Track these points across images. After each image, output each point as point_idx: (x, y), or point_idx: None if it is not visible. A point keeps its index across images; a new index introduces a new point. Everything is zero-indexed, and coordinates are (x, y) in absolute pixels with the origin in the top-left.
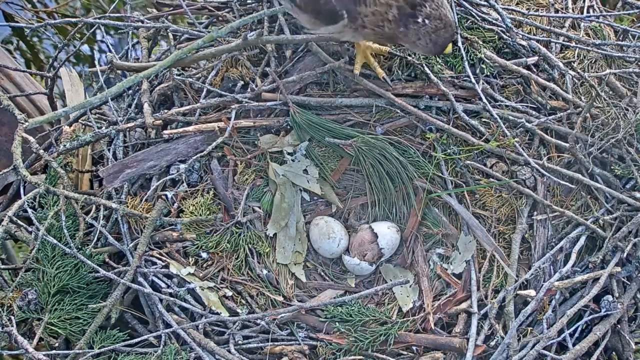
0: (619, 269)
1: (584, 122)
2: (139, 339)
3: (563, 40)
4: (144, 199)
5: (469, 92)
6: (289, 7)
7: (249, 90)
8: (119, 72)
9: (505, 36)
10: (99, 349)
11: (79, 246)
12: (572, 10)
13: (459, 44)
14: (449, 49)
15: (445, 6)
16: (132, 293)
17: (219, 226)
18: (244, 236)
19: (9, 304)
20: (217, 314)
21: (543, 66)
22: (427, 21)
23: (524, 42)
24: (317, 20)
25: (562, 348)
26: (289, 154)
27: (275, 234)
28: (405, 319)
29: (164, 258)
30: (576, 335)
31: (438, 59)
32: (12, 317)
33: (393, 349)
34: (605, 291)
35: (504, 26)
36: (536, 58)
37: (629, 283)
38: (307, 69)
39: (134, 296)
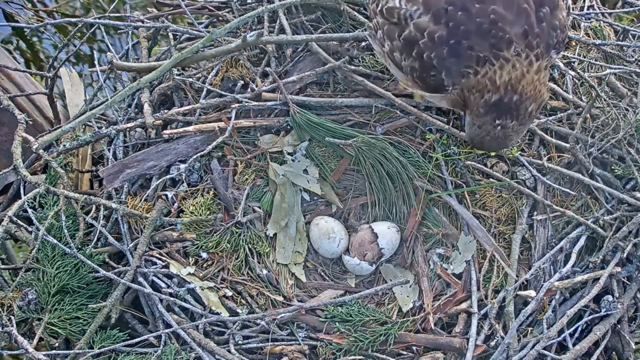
0: (619, 269)
1: (584, 123)
2: (139, 339)
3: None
4: (144, 199)
5: None
6: (387, 63)
7: (249, 90)
8: (119, 72)
9: None
10: (99, 349)
11: (79, 246)
12: (572, 10)
13: None
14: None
15: (522, 133)
16: (132, 293)
17: (219, 226)
18: (244, 236)
19: (9, 304)
20: (217, 314)
21: None
22: (499, 128)
23: None
24: (417, 85)
25: (562, 348)
26: (289, 154)
27: (275, 234)
28: (405, 319)
29: (164, 258)
30: (576, 335)
31: None
32: (12, 317)
33: (393, 349)
34: (605, 291)
35: None
36: None
37: (629, 283)
38: (307, 69)
39: (134, 296)
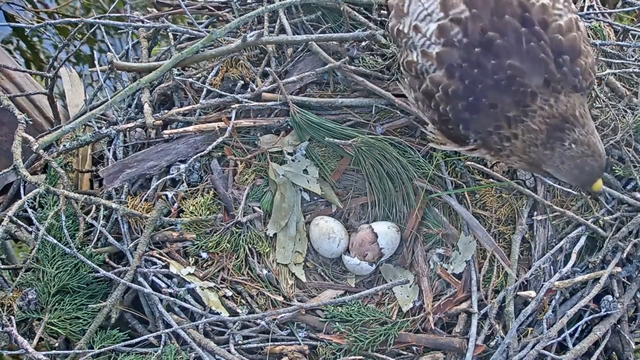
0: (619, 269)
1: None
2: (139, 339)
3: None
4: (144, 199)
5: None
6: (418, 111)
7: (249, 90)
8: (119, 72)
9: None
10: (99, 349)
11: (79, 246)
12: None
13: None
14: (599, 185)
15: (596, 135)
16: (132, 293)
17: (219, 226)
18: (244, 236)
19: (9, 304)
20: (217, 314)
21: None
22: (573, 145)
23: None
24: (443, 135)
25: (562, 348)
26: (289, 154)
27: (275, 234)
28: (405, 319)
29: (164, 258)
30: (576, 335)
31: None
32: (12, 317)
33: (393, 349)
34: (605, 291)
35: None
36: None
37: (629, 283)
38: (307, 69)
39: (134, 296)
